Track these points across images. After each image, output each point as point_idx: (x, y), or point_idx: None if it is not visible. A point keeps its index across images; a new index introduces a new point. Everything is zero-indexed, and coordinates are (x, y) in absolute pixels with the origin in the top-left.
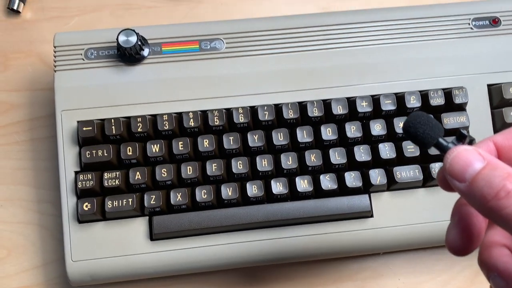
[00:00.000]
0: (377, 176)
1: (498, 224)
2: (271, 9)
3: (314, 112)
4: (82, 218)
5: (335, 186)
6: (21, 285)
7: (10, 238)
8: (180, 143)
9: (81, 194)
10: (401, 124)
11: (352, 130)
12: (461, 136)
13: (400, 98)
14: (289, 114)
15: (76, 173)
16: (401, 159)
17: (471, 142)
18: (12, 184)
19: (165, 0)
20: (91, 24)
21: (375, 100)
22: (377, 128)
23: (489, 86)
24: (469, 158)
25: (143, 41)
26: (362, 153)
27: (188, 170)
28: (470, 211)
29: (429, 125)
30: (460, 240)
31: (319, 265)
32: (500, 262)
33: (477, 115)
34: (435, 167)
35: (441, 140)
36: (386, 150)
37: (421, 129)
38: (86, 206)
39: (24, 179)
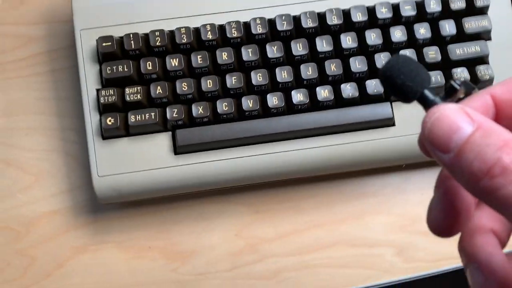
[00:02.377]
0: None
1: (491, 207)
2: None
3: (333, 20)
4: (106, 134)
5: (356, 94)
6: (50, 208)
7: (36, 165)
8: (199, 56)
9: (104, 109)
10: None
11: (373, 37)
12: (451, 88)
13: (420, 4)
14: (308, 23)
15: (98, 90)
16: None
17: (469, 94)
18: (35, 114)
19: None
20: None
21: (395, 6)
22: (397, 34)
23: None
24: (455, 121)
25: None
26: (383, 60)
27: (208, 84)
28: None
29: (412, 73)
30: (444, 219)
31: (342, 182)
32: (483, 252)
33: (500, 19)
34: (457, 72)
35: (427, 92)
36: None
37: (401, 77)
38: (110, 120)
39: (47, 108)
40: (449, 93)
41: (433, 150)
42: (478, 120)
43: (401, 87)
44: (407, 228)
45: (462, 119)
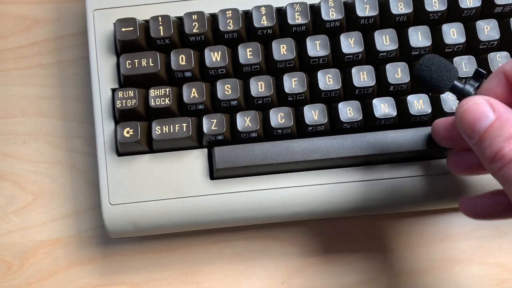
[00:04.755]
0: None
1: (500, 184)
2: None
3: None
4: (122, 149)
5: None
6: (49, 237)
7: (35, 181)
8: (248, 50)
9: (121, 117)
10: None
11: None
12: (478, 75)
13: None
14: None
15: (114, 90)
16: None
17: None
18: (36, 116)
19: None
20: None
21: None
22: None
23: None
24: (479, 113)
25: None
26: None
27: (260, 87)
28: None
29: (443, 68)
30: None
31: (423, 220)
32: None
33: None
34: None
35: (457, 82)
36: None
37: (435, 72)
38: (128, 132)
39: (50, 109)
40: (476, 78)
41: (464, 135)
42: (499, 111)
43: (437, 80)
44: (509, 284)
45: (485, 110)
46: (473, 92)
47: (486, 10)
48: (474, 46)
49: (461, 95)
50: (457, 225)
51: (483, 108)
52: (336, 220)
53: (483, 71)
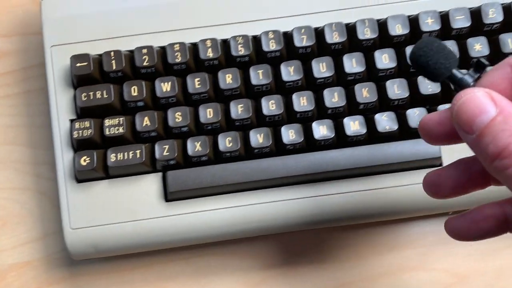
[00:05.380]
0: None
1: (503, 183)
2: None
3: (366, 33)
4: (80, 176)
5: (395, 127)
6: (18, 260)
7: (4, 207)
8: (196, 79)
9: (79, 146)
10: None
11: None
12: (479, 65)
13: (475, 13)
14: (334, 37)
15: (72, 121)
16: None
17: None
18: (4, 144)
19: None
20: None
21: (443, 16)
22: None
23: None
24: (480, 106)
25: None
26: (428, 85)
27: (208, 114)
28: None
29: (442, 53)
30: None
31: (372, 230)
32: None
33: None
34: None
35: (455, 71)
36: None
37: (433, 58)
38: (85, 160)
39: (18, 138)
40: (477, 69)
41: (459, 130)
42: (501, 105)
43: (433, 67)
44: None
45: (486, 103)
46: (472, 84)
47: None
48: None
49: (458, 86)
50: (404, 234)
51: (484, 100)
52: (290, 233)
53: (486, 62)
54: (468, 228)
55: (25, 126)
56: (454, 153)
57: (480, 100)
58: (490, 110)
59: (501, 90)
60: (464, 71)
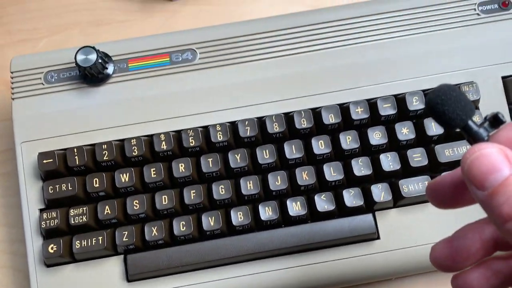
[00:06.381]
0: (380, 192)
1: None
2: (257, 12)
3: (303, 123)
4: (48, 262)
5: (332, 207)
6: None
7: None
8: (152, 169)
9: (46, 234)
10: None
11: (348, 140)
12: (496, 120)
13: (400, 101)
14: (274, 127)
15: (41, 210)
16: (407, 170)
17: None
18: None
19: (137, 12)
20: (61, 45)
21: (372, 104)
22: (377, 136)
23: (504, 78)
24: (494, 163)
25: (106, 58)
26: (361, 167)
27: (163, 200)
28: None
29: (460, 103)
30: (444, 251)
31: None
32: None
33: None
34: None
35: (471, 123)
36: (389, 161)
37: (450, 107)
38: (52, 248)
39: None
40: (493, 124)
41: (469, 185)
42: None
43: (449, 116)
44: None
45: (501, 161)
46: (486, 138)
47: None
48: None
49: (473, 138)
50: None
51: (498, 158)
52: None
53: (504, 119)
54: (478, 287)
55: (1, 206)
56: (391, 225)
57: (494, 157)
58: (504, 169)
59: None
60: (480, 122)
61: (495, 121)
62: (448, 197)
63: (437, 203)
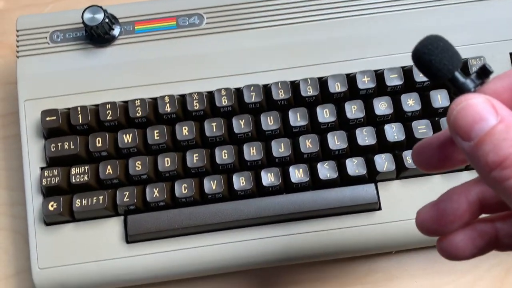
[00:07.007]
0: (383, 162)
1: (500, 195)
2: None
3: (308, 91)
4: (48, 220)
5: (335, 175)
6: None
7: None
8: (155, 131)
9: (47, 192)
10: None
11: (353, 110)
12: (483, 72)
13: (407, 72)
14: (280, 94)
15: (42, 169)
16: (411, 142)
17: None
18: None
19: None
20: (67, 9)
21: (379, 75)
22: (382, 106)
23: None
24: (480, 113)
25: (113, 19)
26: (365, 136)
27: (166, 162)
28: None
29: (447, 53)
30: (430, 215)
31: (321, 268)
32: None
33: None
34: None
35: (458, 74)
36: (394, 132)
37: (437, 57)
38: (52, 205)
39: None
40: (480, 76)
41: (455, 136)
42: (502, 114)
43: (436, 67)
44: None
45: (487, 110)
46: (473, 90)
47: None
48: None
49: (459, 90)
50: (353, 271)
51: (484, 107)
52: (233, 274)
53: (491, 69)
54: (464, 248)
55: (2, 169)
56: (393, 196)
57: (481, 107)
58: (490, 118)
59: (503, 100)
60: (464, 78)
61: (482, 72)
62: (434, 159)
63: (424, 166)
